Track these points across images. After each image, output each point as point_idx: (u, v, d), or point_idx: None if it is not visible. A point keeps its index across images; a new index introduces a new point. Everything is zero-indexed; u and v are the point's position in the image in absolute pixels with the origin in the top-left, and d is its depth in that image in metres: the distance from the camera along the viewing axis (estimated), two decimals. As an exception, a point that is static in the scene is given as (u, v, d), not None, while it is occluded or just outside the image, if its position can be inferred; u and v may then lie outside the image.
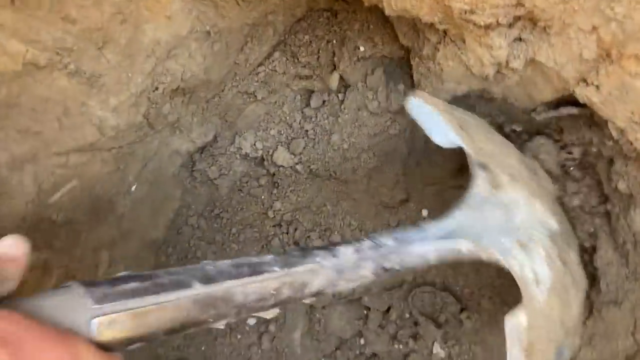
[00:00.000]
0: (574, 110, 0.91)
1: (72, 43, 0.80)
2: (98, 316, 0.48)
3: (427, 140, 1.10)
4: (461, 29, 0.82)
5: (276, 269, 0.64)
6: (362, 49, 1.14)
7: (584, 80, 0.80)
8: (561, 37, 0.77)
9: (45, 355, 0.42)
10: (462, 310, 1.17)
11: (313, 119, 1.23)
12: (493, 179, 0.85)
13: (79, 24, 0.79)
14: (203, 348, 1.25)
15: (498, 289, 1.16)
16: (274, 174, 1.27)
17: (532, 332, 0.75)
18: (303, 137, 1.24)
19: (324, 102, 1.23)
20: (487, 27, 0.78)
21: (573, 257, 0.93)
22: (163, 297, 0.53)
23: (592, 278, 1.03)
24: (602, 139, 0.92)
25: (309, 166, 1.24)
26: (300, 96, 1.25)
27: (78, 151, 0.91)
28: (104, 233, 1.06)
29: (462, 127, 0.87)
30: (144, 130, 1.01)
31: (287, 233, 1.26)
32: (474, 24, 0.78)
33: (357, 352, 1.21)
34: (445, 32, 0.88)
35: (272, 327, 1.24)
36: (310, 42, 1.19)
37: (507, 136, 1.03)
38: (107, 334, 0.49)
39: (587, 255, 1.03)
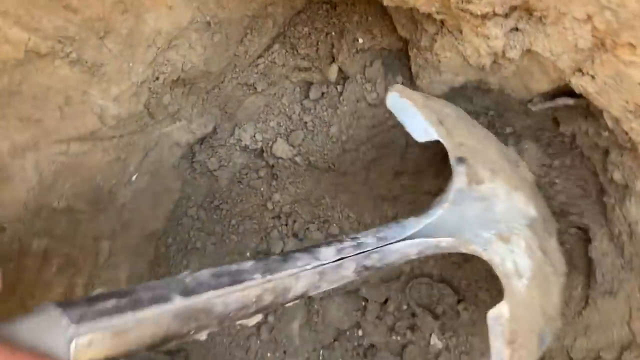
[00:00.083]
0: (569, 101, 0.92)
1: (74, 32, 0.81)
2: (76, 337, 0.47)
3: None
4: (458, 19, 0.83)
5: (257, 276, 0.64)
6: (360, 41, 1.15)
7: (580, 70, 0.81)
8: (557, 27, 0.77)
9: None
10: (459, 301, 1.18)
11: (312, 111, 1.24)
12: (473, 173, 0.86)
13: (80, 13, 0.79)
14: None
15: (495, 280, 1.17)
16: (273, 166, 1.28)
17: (514, 324, 0.76)
18: (302, 129, 1.25)
19: (322, 94, 1.23)
20: (484, 16, 0.79)
21: (553, 244, 0.94)
22: (142, 314, 0.53)
23: (588, 268, 1.04)
24: (598, 130, 0.93)
25: (308, 158, 1.24)
26: (300, 88, 1.26)
27: (79, 140, 0.91)
28: (104, 223, 1.06)
29: (441, 122, 0.87)
30: (145, 120, 1.02)
31: (286, 225, 1.27)
32: (471, 14, 0.79)
33: (355, 343, 1.22)
34: (442, 22, 0.89)
35: (270, 318, 1.25)
36: (310, 34, 1.20)
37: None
38: (87, 355, 0.48)
39: (583, 245, 1.04)
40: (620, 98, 0.77)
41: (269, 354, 1.25)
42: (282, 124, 1.27)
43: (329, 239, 0.76)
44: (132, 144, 1.04)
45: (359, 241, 0.76)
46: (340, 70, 1.20)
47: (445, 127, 0.87)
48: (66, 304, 0.49)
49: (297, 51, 1.20)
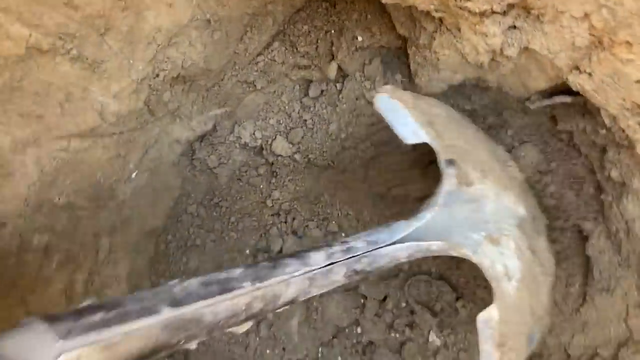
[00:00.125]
0: (567, 99, 0.93)
1: (75, 29, 0.81)
2: (64, 353, 0.47)
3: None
4: (456, 16, 0.84)
5: (246, 284, 0.63)
6: (360, 39, 1.15)
7: (577, 68, 0.81)
8: (554, 25, 0.78)
9: None
10: (457, 299, 1.19)
11: (311, 109, 1.24)
12: (463, 175, 0.86)
13: (81, 10, 0.80)
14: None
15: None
16: (272, 163, 1.28)
17: (504, 327, 0.76)
18: (301, 127, 1.25)
19: (322, 91, 1.24)
20: (482, 14, 0.80)
21: (542, 243, 0.94)
22: (130, 326, 0.52)
23: (586, 266, 1.04)
24: (595, 128, 0.94)
25: (307, 155, 1.25)
26: (299, 86, 1.26)
27: (79, 136, 0.92)
28: (104, 219, 1.07)
29: (431, 124, 0.87)
30: (145, 117, 1.02)
31: (286, 222, 1.28)
32: (469, 11, 0.79)
33: (354, 340, 1.23)
34: (441, 20, 0.89)
35: (270, 315, 1.25)
36: (309, 32, 1.20)
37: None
38: None
39: (580, 243, 1.04)
40: (618, 96, 0.78)
41: (268, 351, 1.25)
42: (281, 122, 1.27)
43: (319, 244, 0.76)
44: (132, 140, 1.04)
45: (349, 245, 0.76)
46: (339, 68, 1.21)
47: (435, 128, 0.87)
48: (52, 318, 0.49)
49: (296, 49, 1.21)
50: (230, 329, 0.64)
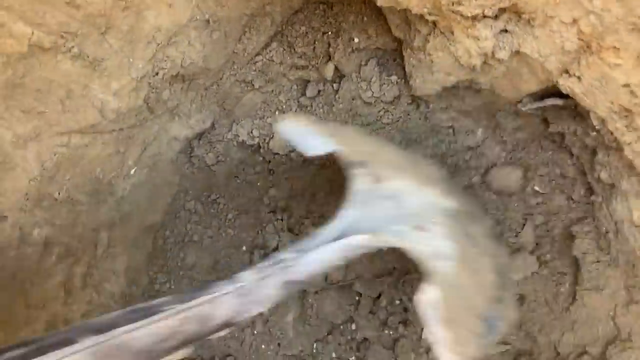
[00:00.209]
0: (558, 102, 0.94)
1: (76, 27, 0.83)
2: None
3: (420, 129, 1.14)
4: (449, 20, 0.85)
5: (172, 306, 0.63)
6: (356, 40, 1.17)
7: (567, 72, 0.83)
8: (544, 30, 0.79)
9: None
10: (450, 296, 1.20)
11: (309, 108, 1.25)
12: (374, 173, 0.87)
13: (82, 9, 0.82)
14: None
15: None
16: (269, 161, 1.29)
17: (448, 304, 0.73)
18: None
19: (319, 91, 1.25)
20: (474, 18, 0.81)
21: (480, 229, 0.95)
22: (48, 358, 0.52)
23: (575, 266, 1.06)
24: (586, 130, 0.95)
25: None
26: (297, 86, 1.27)
27: (80, 132, 0.94)
28: (103, 214, 1.08)
29: (335, 135, 0.88)
30: (144, 115, 1.04)
31: (282, 219, 1.29)
32: (461, 15, 0.81)
33: (349, 337, 1.24)
34: (434, 23, 0.91)
35: (265, 311, 1.26)
36: (307, 33, 1.22)
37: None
38: None
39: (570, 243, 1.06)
40: (606, 99, 0.79)
41: (263, 346, 1.27)
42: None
43: (248, 265, 0.77)
44: (131, 137, 1.06)
45: (278, 258, 0.77)
46: (336, 68, 1.22)
47: (339, 138, 0.88)
48: None
49: (294, 49, 1.22)
50: (169, 356, 0.63)
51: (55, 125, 0.89)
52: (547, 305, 1.09)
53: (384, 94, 1.17)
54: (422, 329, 1.20)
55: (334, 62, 1.21)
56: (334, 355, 1.24)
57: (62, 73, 0.86)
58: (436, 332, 0.70)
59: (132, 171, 1.11)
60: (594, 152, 0.96)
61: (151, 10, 0.90)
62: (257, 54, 1.22)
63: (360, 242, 0.80)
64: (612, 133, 0.83)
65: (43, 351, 0.53)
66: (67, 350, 0.54)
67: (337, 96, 1.22)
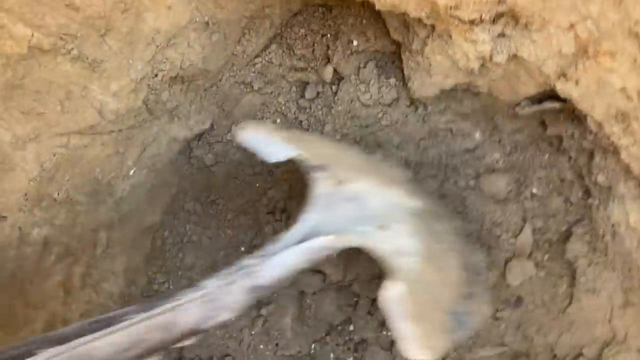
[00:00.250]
0: (556, 105, 0.94)
1: (76, 29, 0.83)
2: None
3: (418, 130, 1.14)
4: (447, 24, 0.86)
5: (134, 315, 0.63)
6: (355, 43, 1.17)
7: (564, 75, 0.83)
8: (542, 34, 0.80)
9: None
10: (447, 298, 1.20)
11: (307, 110, 1.26)
12: (335, 176, 0.87)
13: (82, 11, 0.82)
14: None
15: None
16: (268, 162, 1.30)
17: (414, 299, 0.73)
18: (297, 127, 1.27)
19: (318, 93, 1.25)
20: (472, 22, 0.82)
21: (445, 227, 0.95)
22: None
23: (573, 267, 1.06)
24: (584, 133, 0.95)
25: (303, 155, 1.26)
26: (296, 87, 1.28)
27: (79, 133, 0.94)
28: (102, 214, 1.09)
29: (294, 140, 0.89)
30: (143, 116, 1.04)
31: (280, 220, 1.29)
32: (459, 20, 0.81)
33: (347, 337, 1.24)
34: (433, 27, 0.91)
35: (264, 311, 1.27)
36: (306, 35, 1.22)
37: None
38: None
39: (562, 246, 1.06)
40: (603, 103, 0.80)
41: (261, 346, 1.27)
42: (278, 122, 1.29)
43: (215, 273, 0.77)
44: (130, 138, 1.06)
45: (242, 264, 0.77)
46: (335, 71, 1.22)
47: (300, 143, 0.89)
48: None
49: (293, 52, 1.23)
50: None
51: (54, 126, 0.90)
52: (544, 307, 1.09)
53: (383, 96, 1.17)
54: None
55: (332, 64, 1.21)
56: (332, 355, 1.24)
57: (61, 74, 0.86)
58: (401, 328, 0.70)
59: (131, 172, 1.11)
60: (591, 155, 0.97)
61: (150, 12, 0.91)
62: (257, 56, 1.23)
63: (323, 243, 0.80)
64: (608, 137, 0.84)
65: None
66: None
67: (335, 98, 1.22)
